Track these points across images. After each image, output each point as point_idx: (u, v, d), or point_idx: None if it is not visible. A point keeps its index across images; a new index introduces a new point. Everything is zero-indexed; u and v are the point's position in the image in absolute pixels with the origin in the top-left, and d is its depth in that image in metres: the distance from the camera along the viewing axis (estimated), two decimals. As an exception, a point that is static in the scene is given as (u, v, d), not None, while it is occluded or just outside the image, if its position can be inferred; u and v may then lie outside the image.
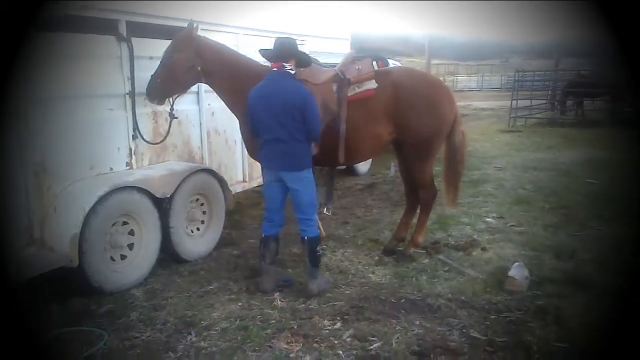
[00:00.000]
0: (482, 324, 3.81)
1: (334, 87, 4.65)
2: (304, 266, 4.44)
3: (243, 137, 4.88)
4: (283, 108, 4.03)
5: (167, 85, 4.50)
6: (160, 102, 4.64)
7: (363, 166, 9.55)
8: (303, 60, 4.32)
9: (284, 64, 4.15)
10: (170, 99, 4.71)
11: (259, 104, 4.12)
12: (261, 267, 4.48)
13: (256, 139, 4.32)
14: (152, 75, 4.50)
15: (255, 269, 4.82)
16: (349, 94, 4.63)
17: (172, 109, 4.81)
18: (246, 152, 5.76)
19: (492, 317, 3.91)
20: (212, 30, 5.48)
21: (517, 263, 4.59)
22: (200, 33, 4.75)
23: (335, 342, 3.58)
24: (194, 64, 4.46)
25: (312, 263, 4.35)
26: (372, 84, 4.67)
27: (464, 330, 3.71)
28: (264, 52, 4.37)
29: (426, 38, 34.44)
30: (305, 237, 4.32)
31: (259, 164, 5.30)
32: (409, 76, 4.90)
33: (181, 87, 4.63)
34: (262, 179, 5.12)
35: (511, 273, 4.40)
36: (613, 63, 16.17)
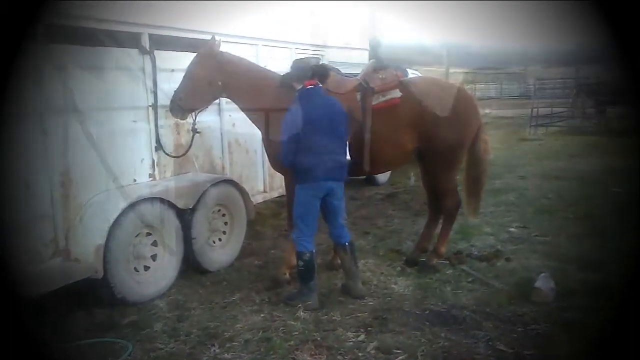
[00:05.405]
0: (508, 336, 3.74)
1: (358, 96, 4.65)
2: (346, 272, 4.53)
3: (265, 149, 4.89)
4: (331, 123, 4.21)
5: (190, 100, 4.53)
6: (184, 117, 4.66)
7: (383, 176, 9.50)
8: (324, 77, 4.46)
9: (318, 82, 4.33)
10: (193, 113, 4.71)
11: (312, 119, 4.16)
12: (309, 287, 4.32)
13: (298, 152, 4.24)
14: (175, 91, 4.54)
15: (277, 280, 4.80)
16: (373, 103, 4.62)
17: (194, 124, 4.79)
18: (267, 162, 5.78)
19: (519, 329, 3.84)
20: (232, 42, 5.50)
21: (543, 274, 4.52)
22: (220, 45, 4.77)
23: (360, 354, 3.54)
24: (215, 79, 4.50)
25: (356, 264, 4.57)
26: (397, 93, 4.65)
27: (490, 343, 3.65)
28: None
29: (444, 47, 34.30)
30: (347, 242, 4.48)
31: (279, 175, 5.30)
32: (433, 85, 4.88)
33: (204, 102, 4.66)
34: (284, 190, 5.10)
35: (537, 284, 4.33)
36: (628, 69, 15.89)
